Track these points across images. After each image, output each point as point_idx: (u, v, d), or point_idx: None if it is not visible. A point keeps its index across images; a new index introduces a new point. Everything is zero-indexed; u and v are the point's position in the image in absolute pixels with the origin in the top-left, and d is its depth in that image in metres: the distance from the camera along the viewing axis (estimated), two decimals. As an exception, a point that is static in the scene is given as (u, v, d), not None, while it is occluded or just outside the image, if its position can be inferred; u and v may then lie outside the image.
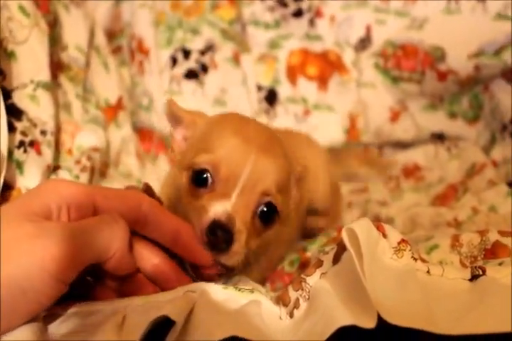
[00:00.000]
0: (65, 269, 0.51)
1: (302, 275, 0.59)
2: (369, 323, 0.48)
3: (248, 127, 0.69)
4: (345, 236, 0.52)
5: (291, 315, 0.57)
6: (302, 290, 0.58)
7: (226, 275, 0.66)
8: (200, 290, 0.57)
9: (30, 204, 0.55)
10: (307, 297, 0.57)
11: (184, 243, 0.61)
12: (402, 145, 1.33)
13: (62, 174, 0.94)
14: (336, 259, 0.57)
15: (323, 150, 1.10)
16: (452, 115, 1.27)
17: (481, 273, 0.55)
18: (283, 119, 1.34)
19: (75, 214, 0.56)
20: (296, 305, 0.57)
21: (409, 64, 1.26)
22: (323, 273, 0.58)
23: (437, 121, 1.28)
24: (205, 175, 0.64)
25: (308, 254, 0.84)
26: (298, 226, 0.89)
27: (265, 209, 0.64)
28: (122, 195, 0.61)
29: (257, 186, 0.63)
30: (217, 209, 0.61)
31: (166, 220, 0.61)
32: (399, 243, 0.56)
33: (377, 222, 0.59)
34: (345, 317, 0.50)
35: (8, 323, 0.50)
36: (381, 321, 0.49)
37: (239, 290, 0.59)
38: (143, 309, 0.54)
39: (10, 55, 0.89)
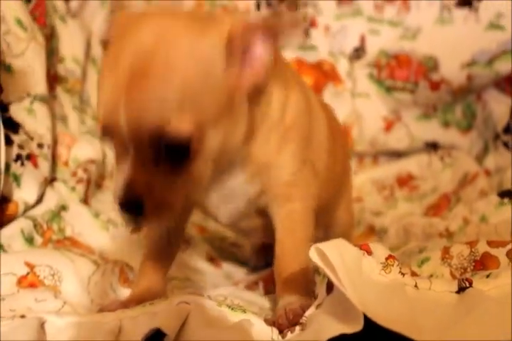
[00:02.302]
0: None
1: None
2: (355, 327, 0.49)
3: (131, 43, 0.56)
4: (313, 253, 0.52)
5: (283, 337, 0.58)
6: (300, 324, 0.58)
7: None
8: (195, 303, 0.58)
9: None
10: (303, 328, 0.58)
11: None
12: (397, 154, 1.34)
13: (58, 186, 0.95)
14: (329, 289, 0.58)
15: None
16: (445, 124, 1.28)
17: (467, 285, 0.57)
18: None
19: None
20: (292, 330, 0.58)
21: (402, 74, 1.27)
22: (319, 305, 0.58)
23: (431, 130, 1.29)
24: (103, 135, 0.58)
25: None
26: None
27: (167, 149, 0.55)
28: None
29: (142, 129, 0.53)
30: (117, 181, 0.56)
31: None
32: (386, 259, 0.57)
33: (370, 231, 0.60)
34: (333, 330, 0.51)
35: None
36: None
37: (232, 309, 0.60)
38: (138, 320, 0.55)
39: (7, 69, 0.90)
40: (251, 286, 0.84)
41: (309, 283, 0.63)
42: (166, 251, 0.75)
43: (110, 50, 0.59)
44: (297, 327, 0.57)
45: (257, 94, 0.63)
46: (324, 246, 0.52)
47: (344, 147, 0.92)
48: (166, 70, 0.54)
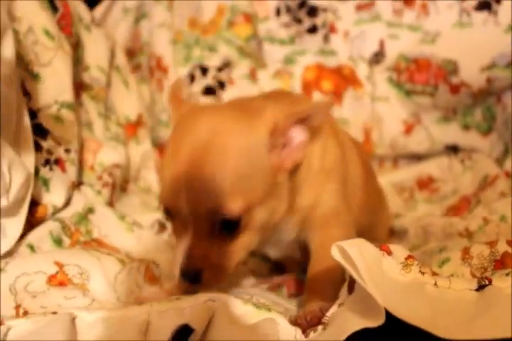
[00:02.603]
0: None
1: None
2: (377, 321, 0.50)
3: (189, 136, 0.66)
4: (335, 252, 0.54)
5: (306, 336, 0.59)
6: (322, 324, 0.60)
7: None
8: (221, 301, 0.59)
9: None
10: (325, 326, 0.59)
11: None
12: (417, 157, 1.35)
13: (85, 190, 0.98)
14: (351, 289, 0.59)
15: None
16: (465, 127, 1.28)
17: (487, 283, 0.57)
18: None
19: None
20: (314, 330, 0.59)
21: (422, 77, 1.28)
22: (340, 304, 0.60)
23: (451, 133, 1.29)
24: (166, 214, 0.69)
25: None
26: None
27: (220, 225, 0.64)
28: None
29: (201, 209, 0.63)
30: (178, 254, 0.65)
31: None
32: (406, 259, 0.58)
33: (391, 233, 0.61)
34: (356, 325, 0.52)
35: None
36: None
37: (257, 307, 0.62)
38: (166, 315, 0.57)
39: (35, 77, 0.93)
40: (274, 288, 0.85)
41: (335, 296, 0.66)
42: None
43: (171, 142, 0.69)
44: (319, 327, 0.58)
45: (297, 167, 0.72)
46: (346, 244, 0.54)
47: (375, 180, 1.00)
48: (220, 160, 0.63)
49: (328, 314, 0.60)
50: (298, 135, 0.69)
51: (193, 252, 0.64)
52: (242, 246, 0.67)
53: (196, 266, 0.64)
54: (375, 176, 1.01)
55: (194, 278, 0.64)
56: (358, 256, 0.53)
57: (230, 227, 0.64)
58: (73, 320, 0.58)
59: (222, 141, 0.64)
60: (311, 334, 0.59)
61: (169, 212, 0.67)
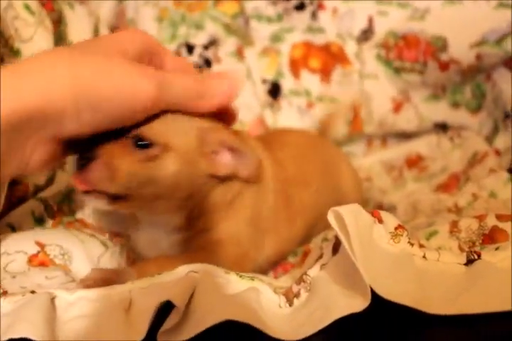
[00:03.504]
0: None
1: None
2: (363, 304, 0.49)
3: None
4: (330, 217, 0.54)
5: (290, 304, 0.58)
6: (304, 282, 0.59)
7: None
8: (203, 271, 0.58)
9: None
10: (308, 288, 0.59)
11: None
12: (406, 135, 1.34)
13: (69, 168, 0.96)
14: (336, 250, 0.59)
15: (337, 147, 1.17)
16: (455, 105, 1.27)
17: (476, 257, 0.57)
18: (287, 112, 1.35)
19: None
20: (297, 295, 0.59)
21: (411, 54, 1.27)
22: (323, 265, 0.59)
23: (440, 111, 1.28)
24: None
25: (311, 246, 0.85)
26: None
27: (137, 138, 0.67)
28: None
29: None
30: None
31: None
32: (396, 228, 0.58)
33: (379, 209, 0.60)
34: (342, 308, 0.52)
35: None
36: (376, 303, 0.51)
37: (240, 276, 0.61)
38: (147, 291, 0.56)
39: (16, 53, 0.91)
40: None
41: None
42: None
43: None
44: (302, 290, 0.58)
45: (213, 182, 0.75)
46: (343, 210, 0.53)
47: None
48: None
49: (311, 274, 0.59)
50: (225, 158, 0.73)
51: (102, 147, 0.66)
52: (137, 169, 0.67)
53: (96, 154, 0.65)
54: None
55: (84, 159, 0.66)
56: (353, 224, 0.53)
57: (142, 145, 0.67)
58: (53, 299, 0.57)
59: None
60: (295, 301, 0.58)
61: None
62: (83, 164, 0.65)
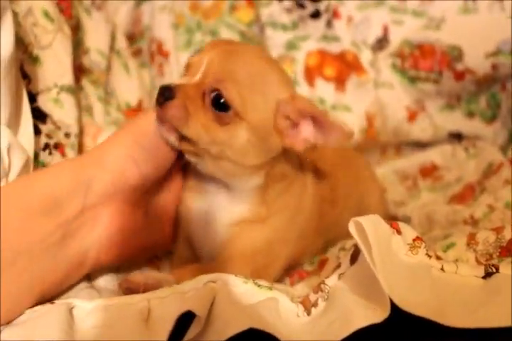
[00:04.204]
0: None
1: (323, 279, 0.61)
2: (382, 315, 0.49)
3: (236, 43, 0.79)
4: (352, 227, 0.54)
5: (308, 313, 0.58)
6: (322, 291, 0.60)
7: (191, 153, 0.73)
8: (221, 280, 0.59)
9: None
10: (326, 297, 0.59)
11: None
12: (420, 145, 1.34)
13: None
14: (354, 260, 0.59)
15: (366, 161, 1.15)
16: (470, 114, 1.27)
17: (494, 270, 0.57)
18: (301, 120, 1.35)
19: None
20: (315, 305, 0.59)
21: (426, 64, 1.27)
22: (341, 274, 0.59)
23: (455, 120, 1.28)
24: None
25: (328, 255, 0.86)
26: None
27: (216, 94, 0.69)
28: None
29: (212, 73, 0.70)
30: (172, 81, 0.72)
31: None
32: (414, 240, 0.58)
33: (393, 220, 0.60)
34: (361, 318, 0.52)
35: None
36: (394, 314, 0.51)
37: (258, 286, 0.61)
38: (167, 301, 0.56)
39: (35, 60, 0.92)
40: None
41: None
42: None
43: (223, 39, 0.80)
44: (320, 299, 0.58)
45: (286, 156, 0.76)
46: (364, 220, 0.53)
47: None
48: (249, 65, 0.71)
49: (329, 283, 0.59)
50: (306, 129, 0.71)
51: (183, 86, 0.70)
52: (212, 130, 0.69)
53: (176, 91, 0.69)
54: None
55: (166, 96, 0.69)
56: (373, 234, 0.53)
57: (218, 105, 0.69)
58: (71, 309, 0.57)
59: (261, 62, 0.73)
60: (313, 310, 0.58)
61: (188, 69, 0.73)
62: (162, 102, 0.69)
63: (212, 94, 0.69)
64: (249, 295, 0.58)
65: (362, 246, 0.53)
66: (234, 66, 0.70)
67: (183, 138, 0.70)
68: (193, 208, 0.80)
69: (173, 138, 0.71)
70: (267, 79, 0.71)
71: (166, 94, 0.69)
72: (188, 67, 0.74)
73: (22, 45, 0.89)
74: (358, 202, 0.99)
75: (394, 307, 0.51)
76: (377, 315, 0.51)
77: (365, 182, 1.05)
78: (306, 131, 0.71)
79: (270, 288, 0.61)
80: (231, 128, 0.69)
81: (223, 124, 0.69)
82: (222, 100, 0.68)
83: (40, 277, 0.61)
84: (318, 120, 0.70)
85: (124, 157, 0.71)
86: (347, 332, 0.51)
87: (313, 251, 0.89)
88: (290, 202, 0.80)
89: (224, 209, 0.77)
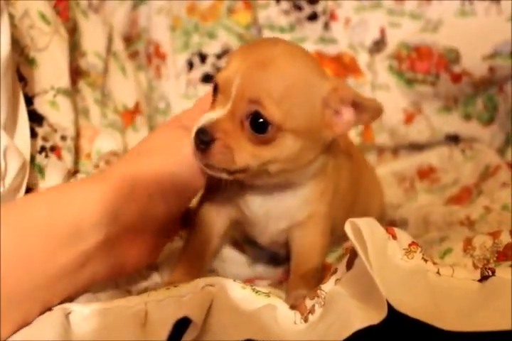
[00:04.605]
0: None
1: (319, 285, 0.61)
2: (380, 316, 0.49)
3: (263, 47, 0.72)
4: (348, 228, 0.54)
5: (305, 320, 0.58)
6: (318, 297, 0.59)
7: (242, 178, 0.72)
8: (219, 284, 0.58)
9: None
10: (322, 303, 0.58)
11: None
12: (417, 147, 1.34)
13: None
14: (350, 265, 0.59)
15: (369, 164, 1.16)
16: (467, 117, 1.27)
17: (490, 273, 0.57)
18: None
19: None
20: (312, 311, 0.59)
21: (423, 66, 1.27)
22: (337, 280, 0.59)
23: (452, 122, 1.28)
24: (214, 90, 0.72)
25: (329, 261, 0.86)
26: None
27: (253, 116, 0.67)
28: None
29: (245, 95, 0.67)
30: (204, 118, 0.69)
31: None
32: (410, 245, 0.58)
33: (391, 225, 0.60)
34: (359, 320, 0.52)
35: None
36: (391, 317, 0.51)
37: (256, 292, 0.61)
38: (164, 304, 0.56)
39: (31, 62, 0.92)
40: (275, 285, 0.84)
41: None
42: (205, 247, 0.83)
43: (246, 46, 0.76)
44: (316, 305, 0.58)
45: (331, 145, 0.77)
46: (361, 222, 0.53)
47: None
48: (283, 73, 0.68)
49: (325, 289, 0.59)
50: (348, 114, 0.71)
51: (217, 123, 0.68)
52: (259, 154, 0.68)
53: (213, 132, 0.67)
54: (369, 173, 1.06)
55: (205, 142, 0.67)
56: (369, 236, 0.53)
57: (259, 127, 0.67)
58: (68, 314, 0.57)
59: (294, 63, 0.70)
60: (310, 317, 0.58)
61: (217, 89, 0.71)
62: (203, 148, 0.68)
63: (250, 118, 0.67)
64: (247, 302, 0.58)
65: (357, 247, 0.53)
66: (267, 81, 0.67)
67: (234, 171, 0.70)
68: (260, 204, 0.80)
69: (225, 175, 0.70)
70: (306, 82, 0.69)
71: (204, 139, 0.67)
72: (217, 88, 0.71)
73: (18, 48, 0.89)
74: (365, 204, 1.01)
75: (390, 309, 0.51)
76: (374, 317, 0.51)
77: (372, 187, 1.07)
78: (348, 115, 0.72)
79: (268, 295, 0.61)
80: (278, 144, 0.68)
81: (269, 143, 0.68)
82: (260, 120, 0.67)
83: (49, 300, 0.60)
84: (357, 102, 0.71)
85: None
86: (346, 334, 0.51)
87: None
88: (331, 183, 0.82)
89: (293, 195, 0.79)
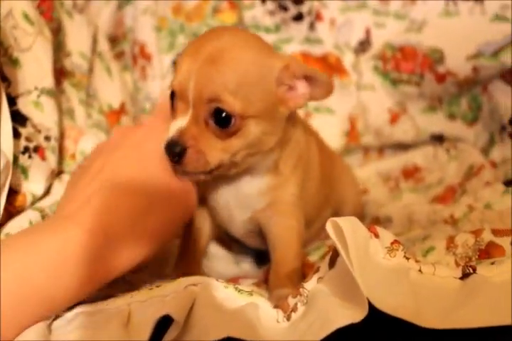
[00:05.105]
0: None
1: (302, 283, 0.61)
2: (361, 314, 0.49)
3: (209, 41, 0.72)
4: (329, 226, 0.54)
5: (288, 318, 0.59)
6: (300, 295, 0.60)
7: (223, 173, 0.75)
8: (202, 284, 0.59)
9: None
10: (305, 301, 0.59)
11: None
12: (402, 146, 1.34)
13: (66, 178, 0.96)
14: (332, 263, 0.59)
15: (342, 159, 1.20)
16: (451, 116, 1.28)
17: (471, 271, 0.57)
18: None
19: None
20: (294, 309, 0.59)
21: (408, 66, 1.27)
22: (320, 278, 0.60)
23: (436, 122, 1.29)
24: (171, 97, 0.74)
25: (311, 259, 0.86)
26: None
27: (215, 114, 0.69)
28: None
29: (203, 96, 0.69)
30: (170, 129, 0.71)
31: None
32: (392, 243, 0.58)
33: (375, 222, 0.61)
34: (340, 318, 0.52)
35: None
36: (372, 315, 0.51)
37: (239, 291, 0.61)
38: (146, 305, 0.56)
39: (14, 63, 0.91)
40: (259, 284, 0.85)
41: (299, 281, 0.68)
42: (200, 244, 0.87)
43: (193, 43, 0.75)
44: (299, 303, 0.58)
45: (290, 119, 0.79)
46: (342, 221, 0.54)
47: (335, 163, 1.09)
48: (235, 62, 0.70)
49: (308, 287, 0.60)
50: (302, 87, 0.74)
51: (184, 131, 0.70)
52: (228, 147, 0.71)
53: (182, 142, 0.69)
54: (335, 160, 1.10)
55: (177, 153, 0.69)
56: (350, 235, 0.53)
57: (223, 122, 0.69)
58: (52, 321, 0.56)
59: (240, 52, 0.71)
60: (293, 315, 0.58)
61: (175, 95, 0.73)
62: (177, 160, 0.70)
63: (213, 116, 0.69)
64: (230, 300, 0.58)
65: (338, 246, 0.53)
66: (221, 75, 0.69)
67: (210, 170, 0.72)
68: (220, 194, 0.83)
69: (202, 177, 0.73)
70: (258, 66, 0.71)
71: (176, 151, 0.69)
72: (174, 95, 0.73)
73: (1, 48, 0.88)
74: (340, 192, 1.04)
75: (372, 308, 0.52)
76: (355, 315, 0.51)
77: (345, 177, 1.10)
78: (301, 88, 0.74)
79: (251, 294, 0.61)
80: (243, 132, 0.71)
81: (235, 133, 0.70)
82: (223, 115, 0.69)
83: None
84: (309, 76, 0.73)
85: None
86: (327, 331, 0.51)
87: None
88: (299, 162, 0.84)
89: (250, 185, 0.81)
